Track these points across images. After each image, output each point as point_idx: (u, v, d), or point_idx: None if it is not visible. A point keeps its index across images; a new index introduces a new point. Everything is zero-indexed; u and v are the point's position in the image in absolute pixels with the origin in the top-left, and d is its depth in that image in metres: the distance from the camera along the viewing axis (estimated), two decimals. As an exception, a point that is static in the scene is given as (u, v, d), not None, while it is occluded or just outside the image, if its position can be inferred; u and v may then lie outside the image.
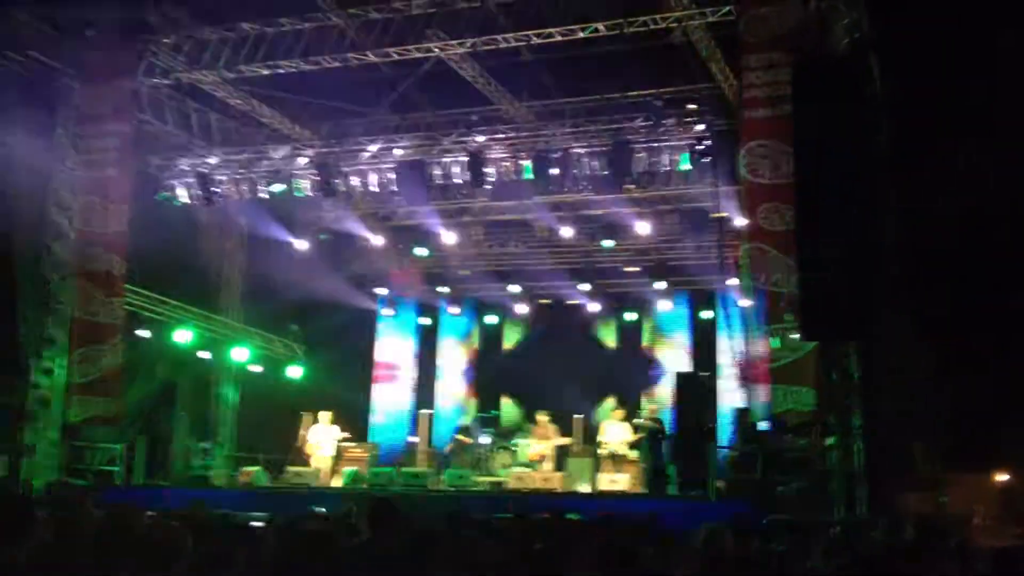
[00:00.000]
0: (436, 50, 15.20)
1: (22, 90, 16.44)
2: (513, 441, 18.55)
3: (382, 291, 23.84)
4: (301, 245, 21.18)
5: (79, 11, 15.89)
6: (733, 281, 18.62)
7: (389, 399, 23.75)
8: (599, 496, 15.57)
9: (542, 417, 18.28)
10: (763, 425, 14.72)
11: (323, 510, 11.12)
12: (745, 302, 13.76)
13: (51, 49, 16.36)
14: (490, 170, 17.96)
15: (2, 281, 16.35)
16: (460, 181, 18.30)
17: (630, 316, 22.48)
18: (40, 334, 16.72)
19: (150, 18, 16.02)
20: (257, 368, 21.25)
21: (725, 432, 17.84)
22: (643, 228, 19.43)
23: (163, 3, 15.54)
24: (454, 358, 23.89)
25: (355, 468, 17.57)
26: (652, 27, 14.26)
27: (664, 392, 21.25)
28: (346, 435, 18.35)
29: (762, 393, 13.22)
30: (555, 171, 17.80)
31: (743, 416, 15.31)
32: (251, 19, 15.56)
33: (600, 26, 14.29)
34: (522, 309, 22.89)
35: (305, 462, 17.84)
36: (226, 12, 15.63)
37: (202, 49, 16.10)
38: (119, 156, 16.51)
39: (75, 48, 16.39)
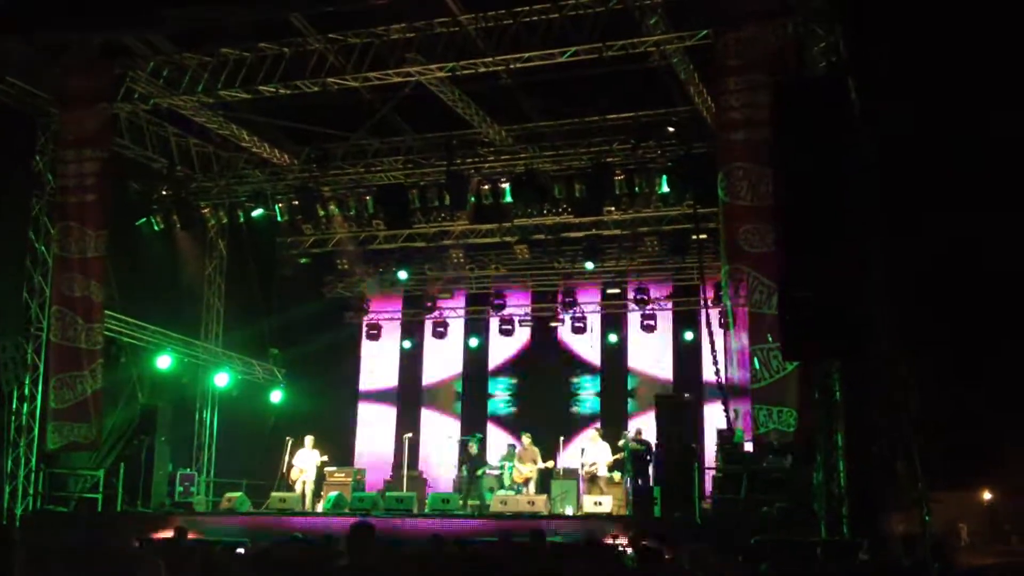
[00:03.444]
0: (415, 74, 15.23)
1: (1, 116, 16.40)
2: (499, 464, 18.55)
3: (364, 314, 23.79)
4: (281, 270, 21.16)
5: (58, 36, 15.83)
6: (714, 302, 18.65)
7: (373, 423, 23.63)
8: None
9: (525, 440, 18.29)
10: (747, 446, 14.75)
11: (301, 535, 11.07)
12: (726, 323, 13.78)
13: (30, 74, 16.31)
14: (470, 193, 18.04)
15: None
16: (440, 204, 18.38)
17: (612, 338, 22.48)
18: (20, 360, 16.58)
19: (129, 43, 15.97)
20: (237, 392, 21.13)
21: (709, 453, 17.83)
22: (623, 251, 19.52)
23: (142, 28, 15.48)
24: (437, 381, 23.81)
25: (338, 492, 17.51)
26: (631, 51, 14.35)
27: (648, 414, 21.25)
28: (324, 458, 18.29)
29: (745, 414, 13.21)
30: (535, 194, 17.90)
31: (727, 437, 15.33)
32: (230, 44, 15.55)
33: (579, 49, 14.35)
34: (504, 332, 22.83)
35: (291, 487, 17.78)
36: (205, 37, 15.61)
37: (181, 74, 16.07)
38: (98, 182, 16.40)
39: (54, 73, 16.34)
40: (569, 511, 16.77)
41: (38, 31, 15.49)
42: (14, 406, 16.47)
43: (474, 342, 23.48)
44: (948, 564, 9.44)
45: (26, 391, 16.61)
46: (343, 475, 18.53)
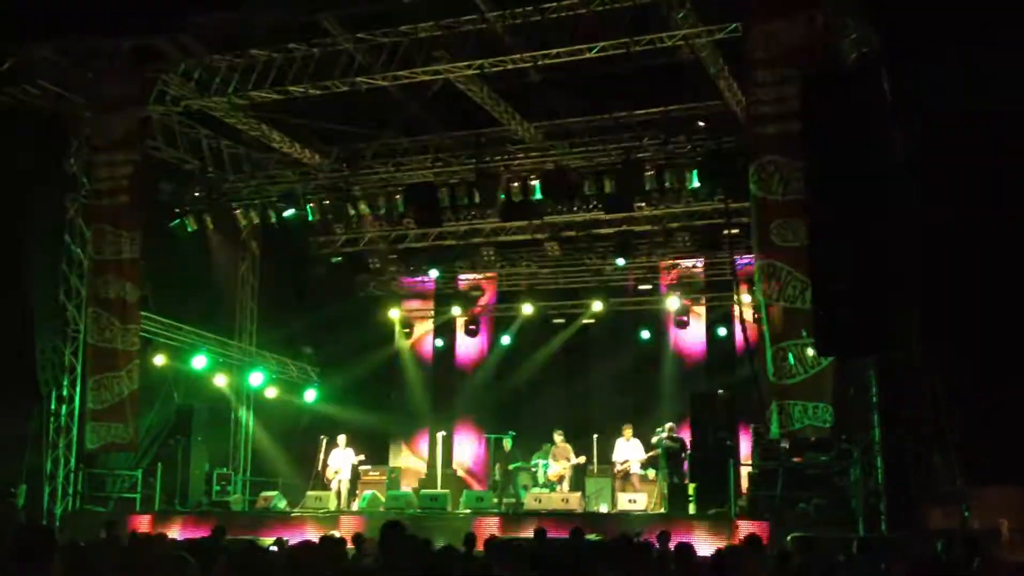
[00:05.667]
0: (443, 73, 15.23)
1: (36, 121, 16.58)
2: (533, 462, 18.53)
3: (396, 313, 23.84)
4: (313, 269, 21.26)
5: (91, 41, 15.98)
6: (747, 298, 18.53)
7: (407, 421, 23.66)
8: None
9: (557, 437, 18.24)
10: (782, 442, 14.63)
11: (337, 534, 11.11)
12: (760, 318, 13.65)
13: (64, 80, 16.47)
14: (500, 191, 18.04)
15: (20, 310, 16.45)
16: (470, 202, 18.39)
17: (645, 335, 22.37)
18: (57, 362, 16.81)
19: (160, 47, 16.09)
20: (272, 392, 21.27)
21: (744, 450, 17.71)
22: (655, 247, 19.45)
23: (173, 31, 15.60)
24: (470, 378, 23.81)
25: (372, 491, 17.57)
26: (659, 45, 14.26)
27: (682, 411, 21.12)
28: (361, 457, 18.38)
29: (780, 410, 13.09)
30: (564, 191, 17.87)
31: (762, 433, 15.22)
32: (260, 45, 15.63)
33: (607, 45, 14.29)
34: (536, 329, 22.78)
35: (326, 486, 17.87)
36: (236, 39, 15.69)
37: (212, 76, 16.17)
38: (131, 184, 16.56)
39: (87, 78, 16.50)
40: (603, 509, 16.73)
41: (68, 37, 15.64)
42: (53, 407, 16.71)
43: (506, 339, 23.44)
44: (988, 560, 9.31)
45: (64, 392, 16.84)
46: (378, 474, 18.62)
